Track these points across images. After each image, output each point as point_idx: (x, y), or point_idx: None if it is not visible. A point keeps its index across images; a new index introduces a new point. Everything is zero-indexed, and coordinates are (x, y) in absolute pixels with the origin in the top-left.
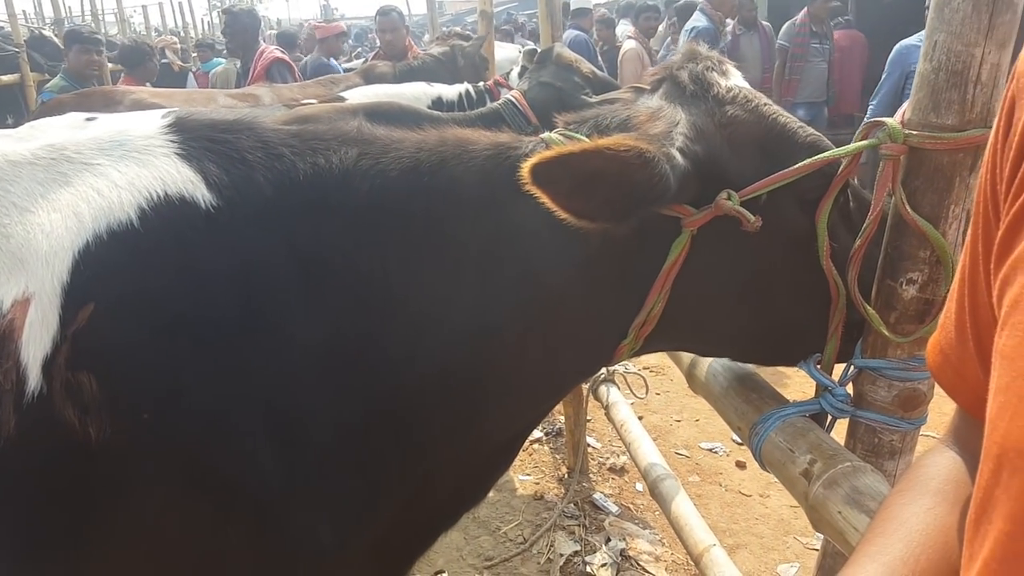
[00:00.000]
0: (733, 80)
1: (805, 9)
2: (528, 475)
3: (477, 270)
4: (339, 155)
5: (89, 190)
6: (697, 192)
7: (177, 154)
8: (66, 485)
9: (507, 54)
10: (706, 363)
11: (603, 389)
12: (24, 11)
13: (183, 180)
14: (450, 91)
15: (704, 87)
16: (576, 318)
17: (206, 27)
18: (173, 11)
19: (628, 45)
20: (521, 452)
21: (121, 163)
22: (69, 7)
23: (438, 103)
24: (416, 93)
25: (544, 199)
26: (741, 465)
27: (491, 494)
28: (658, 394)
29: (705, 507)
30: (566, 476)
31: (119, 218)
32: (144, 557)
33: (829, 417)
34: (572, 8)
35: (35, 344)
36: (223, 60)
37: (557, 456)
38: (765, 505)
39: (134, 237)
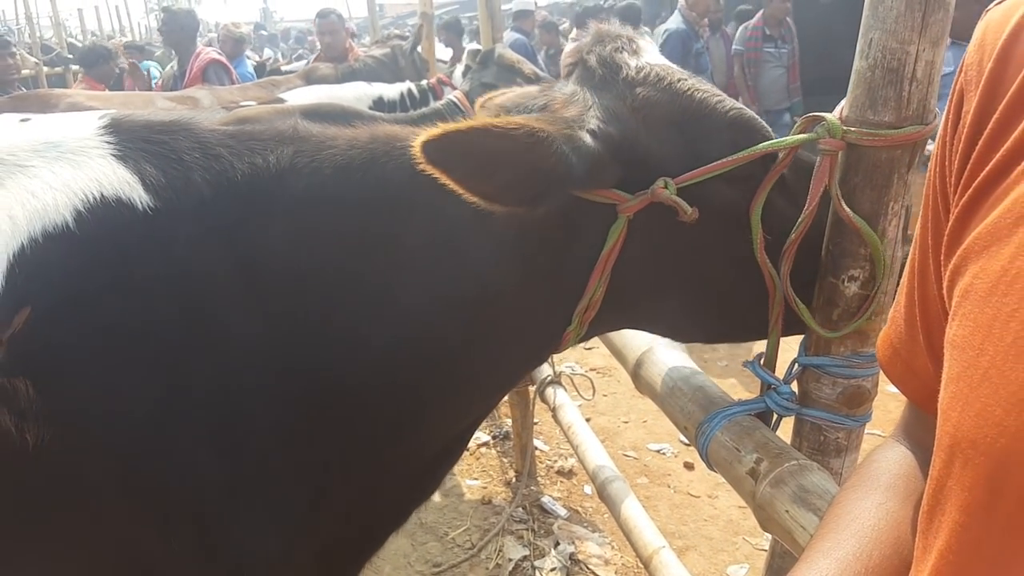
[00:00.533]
0: (645, 58)
1: (760, 12)
2: (476, 480)
3: (412, 266)
4: (276, 154)
5: (23, 192)
6: (620, 176)
7: (113, 155)
8: (7, 496)
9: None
10: (652, 364)
11: (550, 391)
12: None
13: (119, 181)
14: (391, 91)
15: (613, 70)
16: (517, 308)
17: (143, 31)
18: (109, 14)
19: (571, 46)
20: (469, 456)
21: (55, 164)
22: (3, 10)
23: (379, 103)
24: (357, 94)
25: (442, 179)
26: (689, 466)
27: (438, 499)
28: (605, 396)
29: (654, 509)
30: (514, 480)
31: (54, 220)
32: (82, 569)
33: (775, 416)
34: (514, 11)
35: None
36: (152, 63)
37: (505, 460)
38: (714, 506)
39: (70, 240)
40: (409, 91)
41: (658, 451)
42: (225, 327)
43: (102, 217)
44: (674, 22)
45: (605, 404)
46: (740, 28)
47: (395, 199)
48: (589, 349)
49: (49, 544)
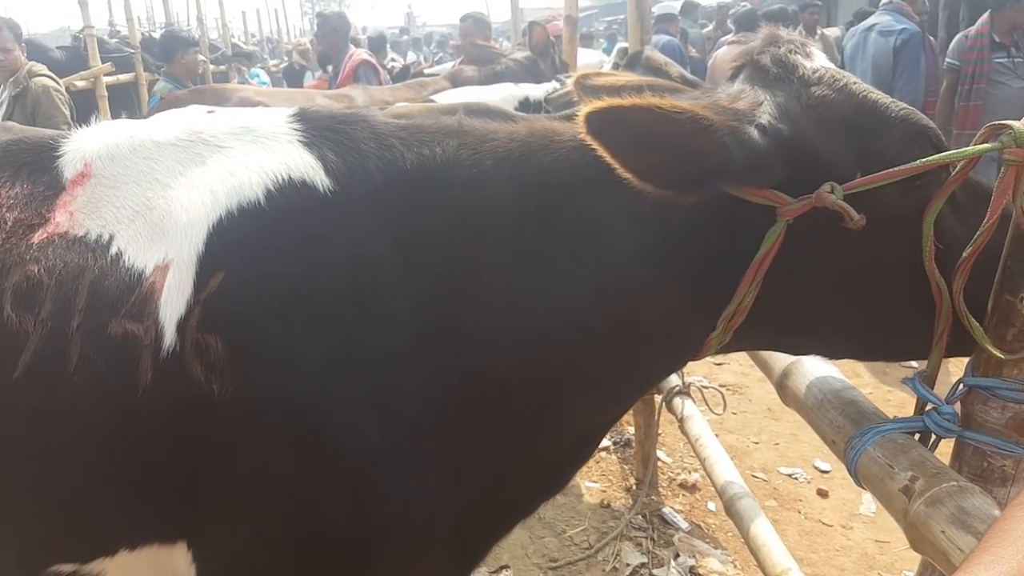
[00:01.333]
0: (818, 62)
1: (985, 16)
2: (595, 482)
3: (563, 257)
4: (442, 146)
5: (223, 171)
6: (786, 176)
7: (300, 141)
8: (190, 433)
9: (590, 59)
10: (800, 375)
11: (678, 401)
12: (137, 16)
13: (305, 165)
14: (537, 91)
15: (788, 69)
16: (662, 305)
17: (298, 32)
18: (268, 17)
19: (726, 50)
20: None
21: (251, 147)
22: (176, 12)
23: (525, 104)
24: (503, 95)
25: (600, 150)
26: (823, 494)
27: (558, 497)
28: (735, 413)
29: (782, 533)
30: (634, 487)
31: (248, 197)
32: (247, 506)
33: (933, 437)
34: (657, 13)
35: (172, 306)
36: (258, 70)
37: (625, 466)
38: (848, 537)
39: (260, 215)
40: (554, 91)
41: (790, 475)
42: (388, 304)
43: (288, 196)
44: (900, 22)
45: (734, 422)
46: (957, 37)
47: (551, 190)
48: (720, 364)
49: (222, 483)
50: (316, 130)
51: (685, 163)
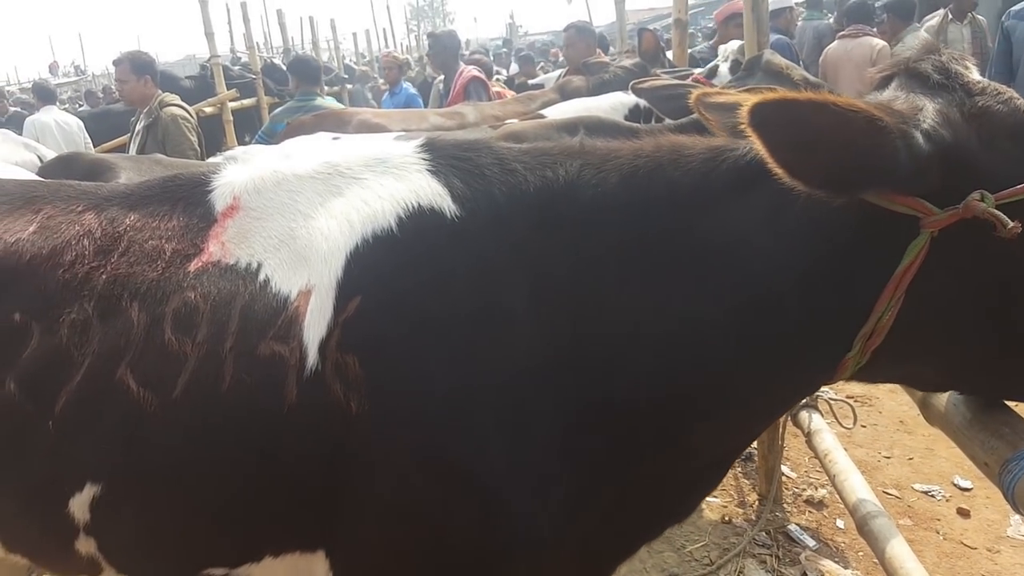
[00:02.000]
0: (975, 74)
1: None
2: (715, 497)
3: (693, 275)
4: (564, 167)
5: (358, 200)
6: (938, 185)
7: (428, 170)
8: (329, 448)
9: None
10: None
11: (804, 415)
12: (257, 42)
13: (433, 193)
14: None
15: (952, 77)
16: (798, 325)
17: (404, 49)
18: (377, 36)
19: (835, 44)
20: None
21: (383, 177)
22: (292, 37)
23: (635, 112)
24: (613, 103)
25: (758, 144)
26: (964, 513)
27: None
28: (864, 427)
29: (919, 554)
30: (757, 503)
31: (382, 225)
32: (380, 519)
33: None
34: (770, 9)
35: (314, 328)
36: (407, 85)
37: (747, 481)
38: (994, 561)
39: (393, 241)
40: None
41: (926, 492)
42: (514, 325)
43: (418, 223)
44: None
45: (863, 435)
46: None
47: (681, 204)
48: None
49: (354, 499)
50: (443, 159)
51: (850, 162)
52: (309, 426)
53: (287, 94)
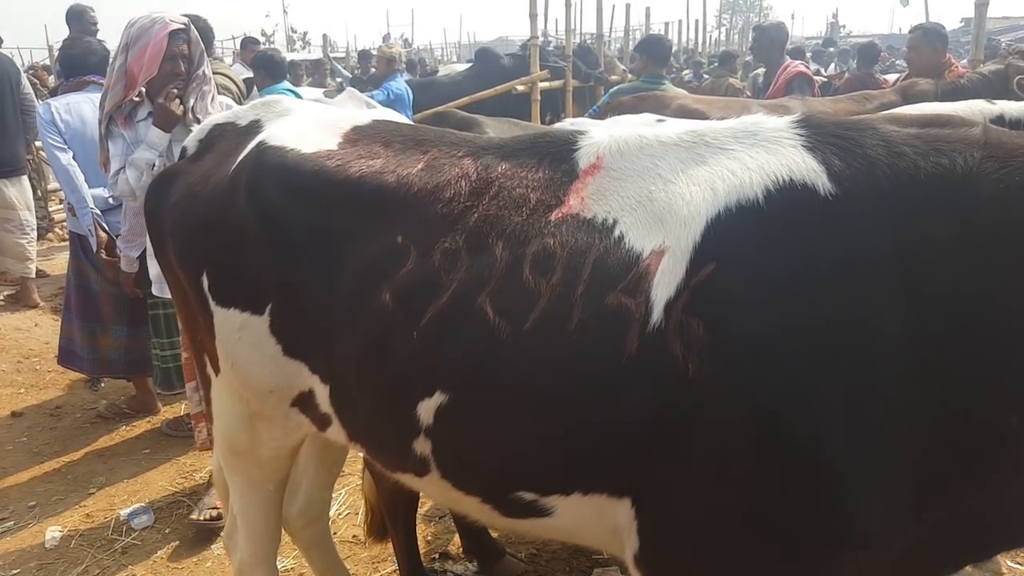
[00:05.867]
0: None
1: None
2: None
3: None
4: (963, 156)
5: (724, 170)
6: None
7: (804, 146)
8: (659, 404)
9: None
10: None
11: None
12: (572, 27)
13: (807, 169)
14: (1014, 108)
15: None
16: None
17: (711, 43)
18: (687, 28)
19: None
20: None
21: (753, 150)
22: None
23: (999, 122)
24: (971, 110)
25: None
26: None
27: None
28: None
29: None
30: None
31: (748, 196)
32: (699, 485)
33: None
34: None
35: (663, 287)
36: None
37: None
38: None
39: (758, 214)
40: None
41: None
42: (878, 315)
43: (787, 198)
44: None
45: None
46: None
47: None
48: None
49: (683, 460)
50: (821, 135)
51: None
52: (644, 378)
53: (594, 78)
